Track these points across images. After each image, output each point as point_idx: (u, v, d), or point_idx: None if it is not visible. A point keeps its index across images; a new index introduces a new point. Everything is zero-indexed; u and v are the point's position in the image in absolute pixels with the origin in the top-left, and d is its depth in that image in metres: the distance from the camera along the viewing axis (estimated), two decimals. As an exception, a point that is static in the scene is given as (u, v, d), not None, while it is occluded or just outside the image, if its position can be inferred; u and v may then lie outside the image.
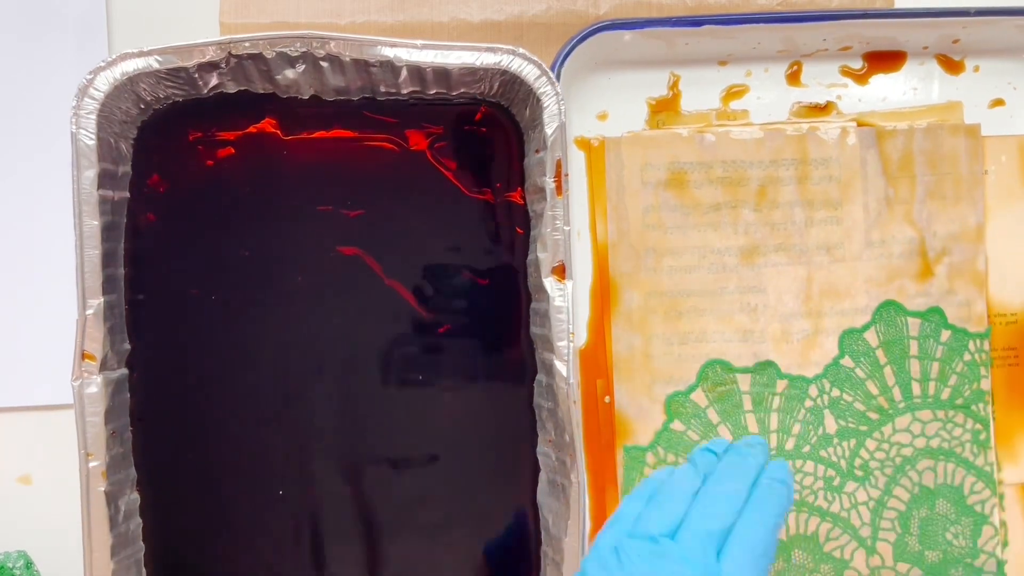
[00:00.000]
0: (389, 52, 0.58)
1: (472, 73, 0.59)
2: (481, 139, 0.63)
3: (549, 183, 0.58)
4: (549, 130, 0.58)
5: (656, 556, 0.48)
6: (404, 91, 0.61)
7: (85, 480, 0.55)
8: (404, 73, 0.59)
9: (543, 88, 0.58)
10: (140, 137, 0.61)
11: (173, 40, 0.69)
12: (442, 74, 0.59)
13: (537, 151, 0.60)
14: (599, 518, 0.67)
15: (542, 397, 0.61)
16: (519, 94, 0.60)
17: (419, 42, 0.58)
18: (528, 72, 0.58)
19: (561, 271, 0.58)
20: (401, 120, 0.62)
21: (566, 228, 0.58)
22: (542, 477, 0.62)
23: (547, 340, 0.59)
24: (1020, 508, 0.69)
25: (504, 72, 0.58)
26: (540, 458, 0.62)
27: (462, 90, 0.62)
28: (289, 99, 0.62)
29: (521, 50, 0.58)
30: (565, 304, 0.58)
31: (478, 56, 0.58)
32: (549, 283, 0.58)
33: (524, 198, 0.63)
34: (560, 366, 0.58)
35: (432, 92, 0.62)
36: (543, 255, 0.59)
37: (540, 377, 0.62)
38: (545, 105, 0.58)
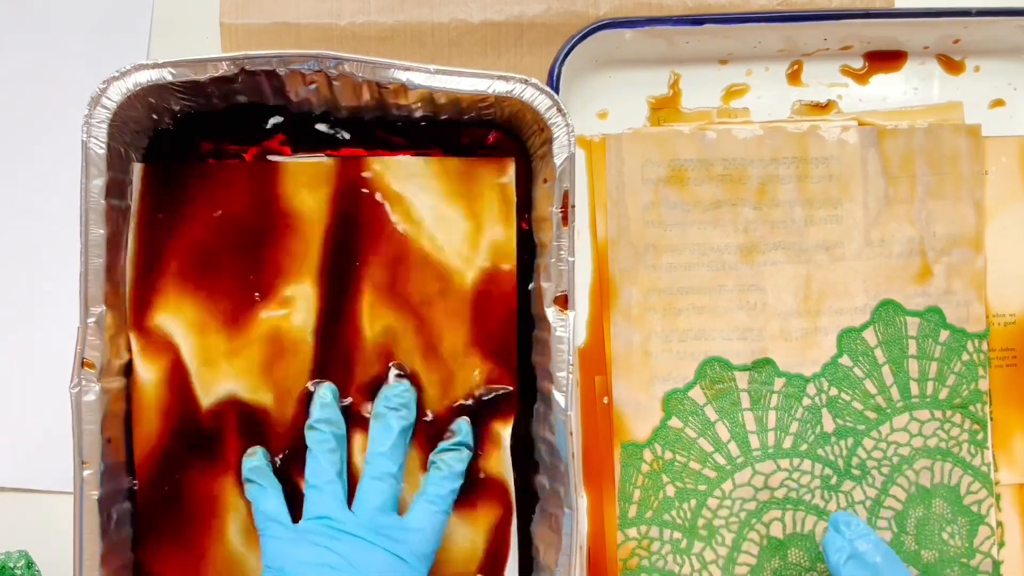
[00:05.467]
0: (402, 75, 0.57)
1: (484, 99, 0.59)
2: None
3: (556, 213, 0.58)
4: (558, 160, 0.58)
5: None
6: (416, 112, 0.61)
7: (79, 487, 0.55)
8: (416, 96, 0.59)
9: (554, 119, 0.58)
10: (150, 147, 0.61)
11: (173, 40, 0.70)
12: (454, 98, 0.59)
13: (545, 180, 0.60)
14: (596, 515, 0.67)
15: (539, 426, 0.61)
16: (530, 123, 0.60)
17: (432, 67, 0.57)
18: (540, 103, 0.58)
19: (563, 301, 0.58)
20: (411, 140, 0.62)
21: (570, 259, 0.58)
22: (537, 505, 0.62)
23: (547, 369, 0.59)
24: (1016, 509, 0.69)
25: (516, 101, 0.58)
26: (536, 487, 0.63)
27: (473, 114, 0.62)
28: (300, 114, 0.62)
29: (533, 80, 0.58)
30: (566, 335, 0.58)
31: (491, 84, 0.58)
32: (551, 313, 0.58)
33: (530, 225, 0.63)
34: (559, 396, 0.58)
35: (443, 115, 0.62)
36: (546, 284, 0.59)
37: (538, 406, 0.62)
38: (555, 136, 0.58)
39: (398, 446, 0.58)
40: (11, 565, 0.63)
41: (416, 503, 0.57)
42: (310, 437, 0.58)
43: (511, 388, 0.61)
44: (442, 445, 0.59)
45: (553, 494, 0.59)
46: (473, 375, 0.61)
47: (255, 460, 0.59)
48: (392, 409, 0.59)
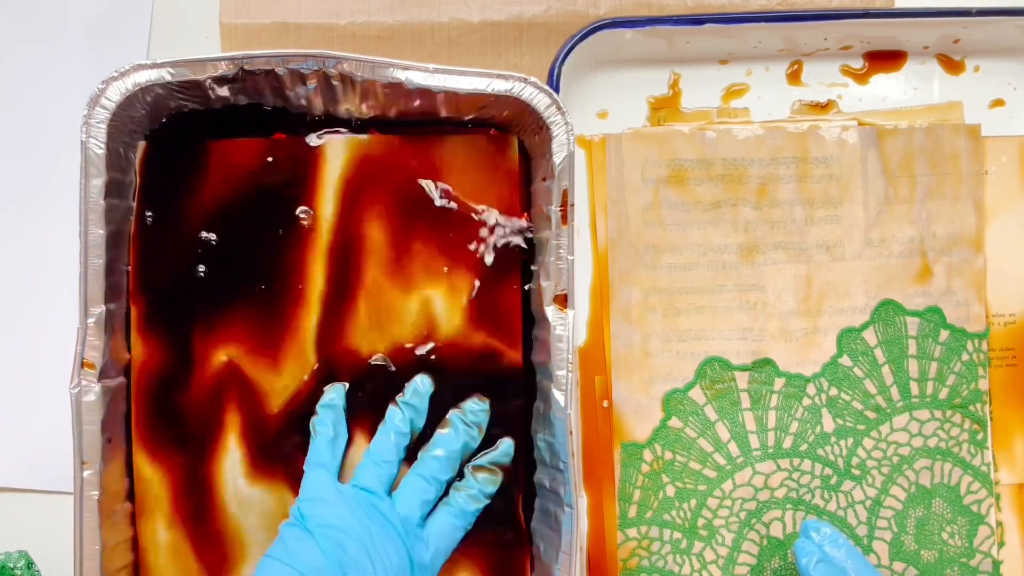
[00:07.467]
0: (401, 75, 0.58)
1: (483, 98, 0.59)
2: None
3: (555, 212, 0.58)
4: (557, 159, 0.58)
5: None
6: (415, 113, 0.61)
7: (79, 488, 0.56)
8: (415, 95, 0.59)
9: (553, 118, 0.58)
10: (149, 146, 0.61)
11: (173, 41, 0.70)
12: (452, 98, 0.59)
13: (544, 179, 0.60)
14: (597, 516, 0.67)
15: (539, 424, 0.61)
16: (529, 122, 0.60)
17: (431, 66, 0.58)
18: (539, 101, 0.58)
19: (563, 300, 0.58)
20: (410, 139, 0.62)
21: (570, 258, 0.58)
22: (537, 503, 0.62)
23: (546, 368, 0.59)
24: (1016, 509, 0.69)
25: (515, 100, 0.58)
26: (536, 485, 0.63)
27: (473, 114, 0.62)
28: (299, 114, 0.62)
29: (532, 79, 0.58)
30: (566, 333, 0.58)
31: (489, 83, 0.58)
32: (551, 311, 0.58)
33: (530, 224, 0.63)
34: (558, 395, 0.58)
35: (443, 114, 0.62)
36: (546, 283, 0.59)
37: (538, 404, 0.62)
38: (554, 134, 0.58)
39: (455, 459, 0.59)
40: (11, 565, 0.63)
41: (441, 513, 0.58)
42: (393, 412, 0.59)
43: (518, 367, 0.62)
44: (479, 460, 0.60)
45: (553, 493, 0.59)
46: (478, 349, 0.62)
47: (336, 398, 0.60)
48: (466, 425, 0.60)
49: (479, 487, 0.59)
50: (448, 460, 0.59)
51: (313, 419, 0.60)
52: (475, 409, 0.60)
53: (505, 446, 0.61)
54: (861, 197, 0.68)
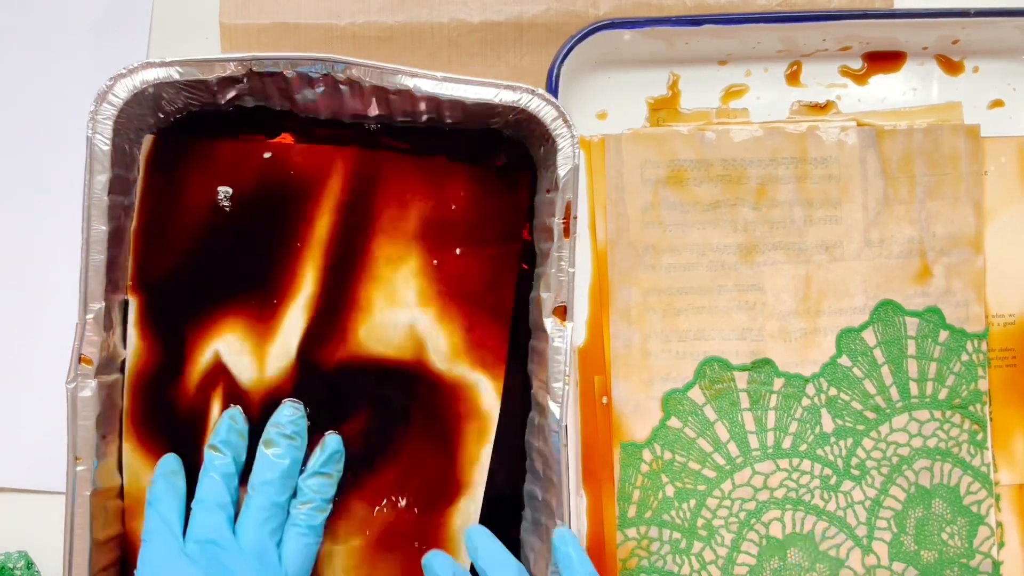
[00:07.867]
0: (409, 82, 0.57)
1: (490, 107, 0.59)
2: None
3: (557, 224, 0.58)
4: (562, 172, 0.58)
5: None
6: (421, 119, 0.61)
7: (72, 484, 0.56)
8: (422, 102, 0.59)
9: (559, 130, 0.58)
10: (154, 143, 0.61)
11: (172, 41, 0.70)
12: (459, 106, 0.59)
13: (548, 191, 0.60)
14: (596, 517, 0.67)
15: (533, 435, 0.61)
16: (535, 133, 0.60)
17: (439, 74, 0.57)
18: (545, 113, 0.58)
19: (562, 312, 0.58)
20: (416, 146, 0.62)
21: (571, 270, 0.58)
22: (527, 515, 0.62)
23: (543, 379, 0.59)
24: (1016, 509, 0.69)
25: (522, 110, 0.58)
26: (526, 496, 0.62)
27: (479, 122, 0.62)
28: (306, 117, 0.62)
29: (540, 90, 0.58)
30: (564, 346, 0.58)
31: (497, 93, 0.58)
32: (550, 323, 0.58)
33: (531, 234, 0.63)
34: (554, 408, 0.58)
35: (448, 121, 0.62)
36: (545, 295, 0.59)
37: (533, 415, 0.62)
38: (560, 147, 0.58)
39: (289, 476, 0.57)
40: (11, 565, 0.63)
41: (291, 535, 0.56)
42: (210, 457, 0.57)
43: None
44: (309, 468, 0.58)
45: (545, 505, 0.59)
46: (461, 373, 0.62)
47: (172, 463, 0.58)
48: (288, 438, 0.58)
49: (318, 496, 0.57)
50: (282, 481, 0.56)
51: (151, 489, 0.57)
52: (293, 418, 0.58)
53: (332, 443, 0.59)
54: (860, 197, 0.68)
